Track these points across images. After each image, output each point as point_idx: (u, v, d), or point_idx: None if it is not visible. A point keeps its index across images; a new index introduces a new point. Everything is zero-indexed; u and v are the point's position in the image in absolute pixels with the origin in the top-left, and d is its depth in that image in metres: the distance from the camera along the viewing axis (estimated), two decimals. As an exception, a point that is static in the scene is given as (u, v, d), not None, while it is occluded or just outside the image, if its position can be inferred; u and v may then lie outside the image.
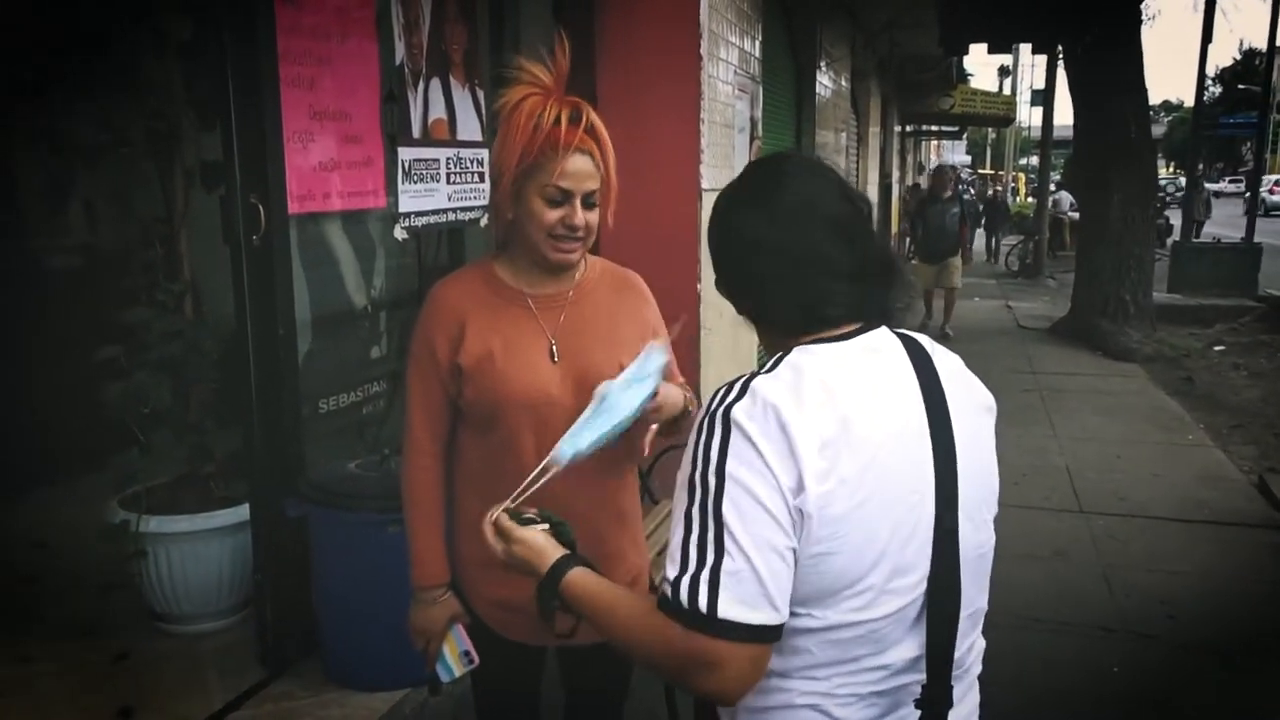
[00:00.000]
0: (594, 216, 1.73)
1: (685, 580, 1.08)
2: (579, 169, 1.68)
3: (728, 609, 1.06)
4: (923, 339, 1.28)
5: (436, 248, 3.98)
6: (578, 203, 1.69)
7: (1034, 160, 43.03)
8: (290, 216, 2.95)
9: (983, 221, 18.73)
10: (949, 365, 1.27)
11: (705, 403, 1.15)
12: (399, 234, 3.45)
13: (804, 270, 1.21)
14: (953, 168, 13.02)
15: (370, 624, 2.85)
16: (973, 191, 23.43)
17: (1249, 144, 40.27)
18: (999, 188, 25.14)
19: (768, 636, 1.08)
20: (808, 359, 1.17)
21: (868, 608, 1.13)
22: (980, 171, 38.04)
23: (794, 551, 1.08)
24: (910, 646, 1.18)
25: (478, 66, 3.88)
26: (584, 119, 1.68)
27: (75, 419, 3.58)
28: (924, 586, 1.17)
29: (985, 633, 1.30)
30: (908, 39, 11.96)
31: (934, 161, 34.40)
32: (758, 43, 6.35)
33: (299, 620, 3.04)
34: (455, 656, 1.85)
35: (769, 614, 1.07)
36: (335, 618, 2.94)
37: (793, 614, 1.12)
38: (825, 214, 1.23)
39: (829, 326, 1.22)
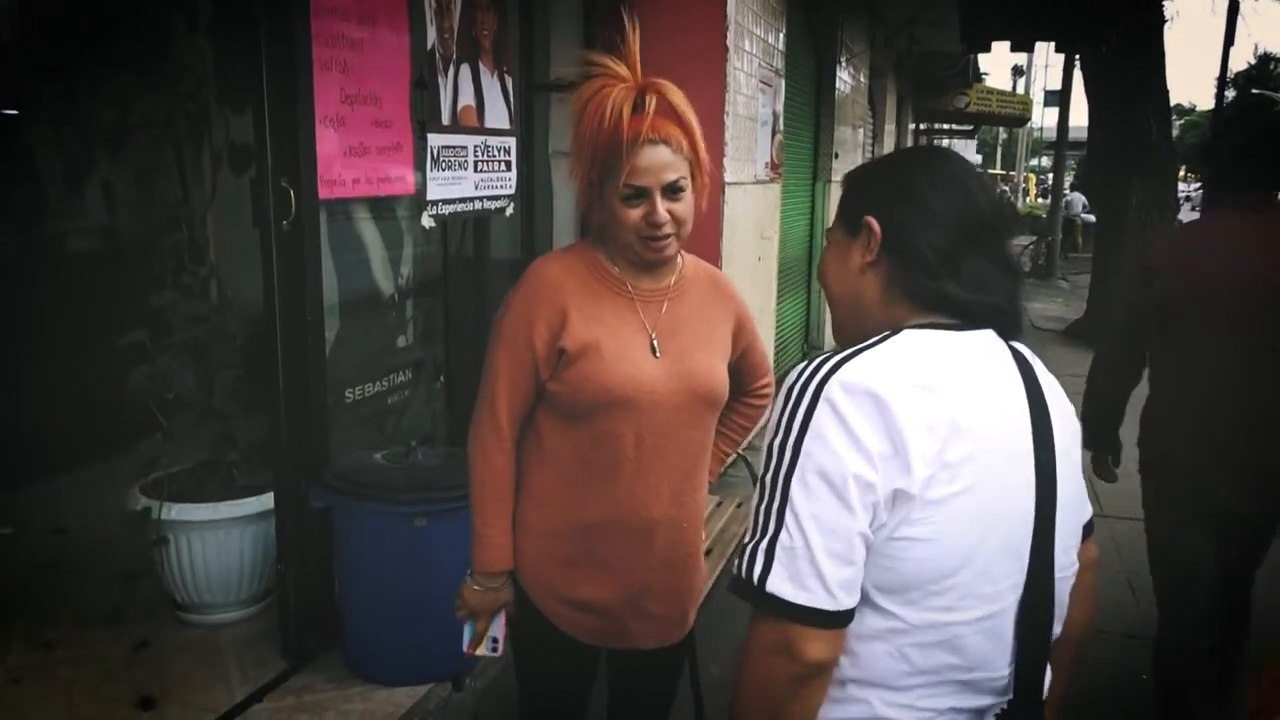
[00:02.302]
0: (682, 206, 1.64)
1: (748, 549, 1.07)
2: (651, 162, 1.59)
3: (776, 584, 1.04)
4: (1028, 352, 1.22)
5: (462, 236, 3.94)
6: (657, 196, 1.60)
7: (1044, 161, 42.97)
8: (320, 202, 2.90)
9: None
10: (1051, 384, 1.21)
11: (799, 370, 1.11)
12: (426, 221, 3.41)
13: (955, 240, 1.16)
14: None
15: (395, 618, 2.81)
16: None
17: (1261, 148, 40.01)
18: (1004, 188, 24.78)
19: (821, 621, 1.04)
20: (918, 339, 1.13)
21: (952, 609, 1.09)
22: (991, 172, 37.93)
23: (865, 537, 1.04)
24: (998, 665, 1.14)
25: (507, 54, 3.83)
26: (649, 105, 1.59)
27: (98, 404, 3.55)
28: (1013, 598, 1.12)
29: None
30: (928, 36, 11.87)
31: (945, 160, 34.28)
32: (781, 35, 6.29)
33: (321, 612, 3.00)
34: (485, 639, 1.85)
35: (821, 597, 1.03)
36: (359, 610, 2.90)
37: (875, 608, 1.08)
38: (981, 199, 1.19)
39: (948, 312, 1.16)
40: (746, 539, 1.08)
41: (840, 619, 1.05)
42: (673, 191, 1.61)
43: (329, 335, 3.09)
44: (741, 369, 1.89)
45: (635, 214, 1.61)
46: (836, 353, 1.11)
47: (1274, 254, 2.30)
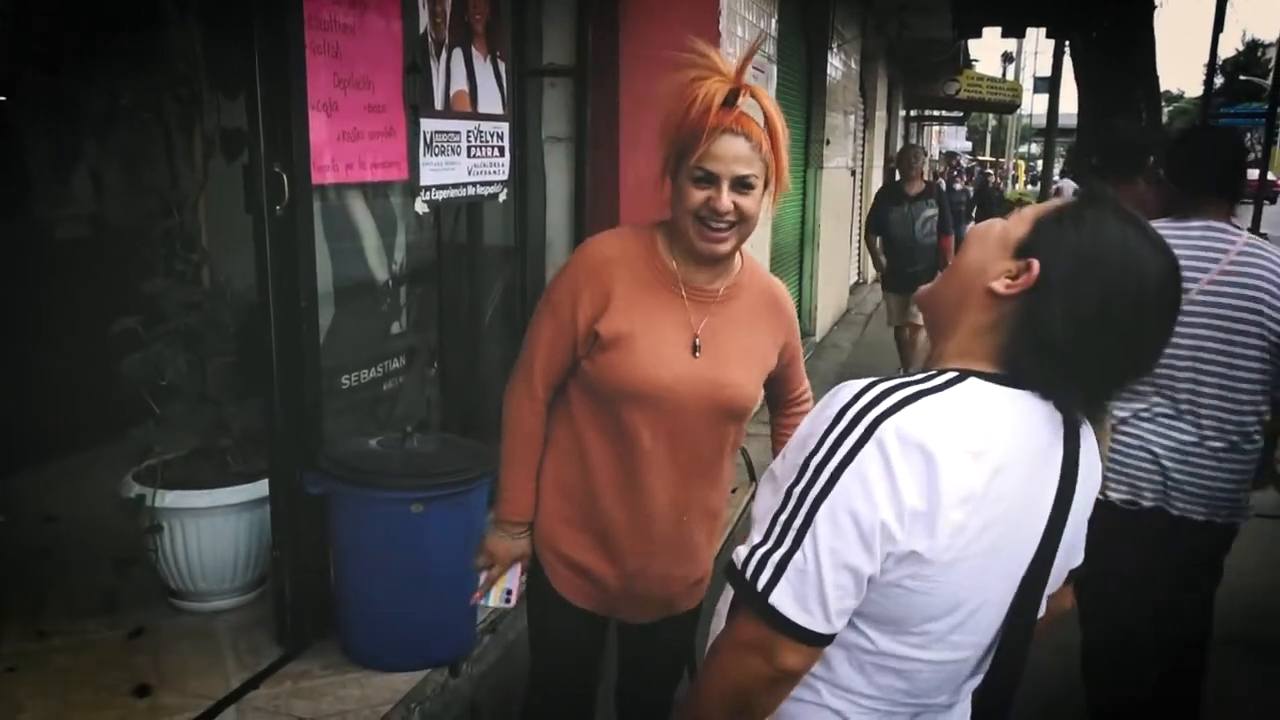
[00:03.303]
0: (748, 202, 1.64)
1: (758, 554, 1.07)
2: (727, 151, 1.60)
3: (781, 599, 1.05)
4: (1082, 419, 1.16)
5: (455, 222, 3.92)
6: (725, 185, 1.61)
7: (1034, 148, 42.98)
8: (313, 187, 2.88)
9: (974, 214, 17.26)
10: (1089, 444, 1.17)
11: (854, 389, 1.07)
12: (420, 207, 3.39)
13: (1091, 344, 1.07)
14: (952, 153, 11.38)
15: (391, 603, 2.81)
16: (963, 181, 20.61)
17: (1250, 135, 40.29)
18: (989, 172, 24.02)
19: (810, 640, 1.06)
20: (981, 395, 1.08)
21: (924, 649, 1.12)
22: (981, 158, 37.93)
23: (871, 579, 1.06)
24: (942, 695, 1.19)
25: (500, 38, 3.81)
26: (742, 100, 1.61)
27: (91, 391, 3.53)
28: (978, 654, 1.16)
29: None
30: (918, 22, 11.85)
31: (935, 146, 34.19)
32: (774, 22, 6.27)
33: (317, 598, 2.99)
34: (499, 589, 1.91)
35: (819, 622, 1.05)
36: (355, 597, 2.90)
37: (850, 626, 1.10)
38: (1150, 321, 1.10)
39: (1030, 386, 1.10)
40: (755, 538, 1.09)
41: (827, 640, 1.07)
42: (742, 186, 1.62)
43: (323, 321, 3.08)
44: (782, 378, 1.92)
45: (700, 195, 1.62)
46: (903, 384, 1.06)
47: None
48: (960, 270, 1.16)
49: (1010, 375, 1.09)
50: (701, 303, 1.73)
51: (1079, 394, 1.10)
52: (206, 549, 3.11)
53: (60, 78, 4.26)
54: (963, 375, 1.09)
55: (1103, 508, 1.92)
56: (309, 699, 2.72)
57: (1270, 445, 2.43)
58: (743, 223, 1.66)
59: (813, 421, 1.10)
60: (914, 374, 1.10)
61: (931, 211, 6.88)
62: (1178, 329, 1.43)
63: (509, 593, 1.92)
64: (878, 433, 1.02)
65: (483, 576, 1.91)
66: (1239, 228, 2.37)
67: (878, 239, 7.13)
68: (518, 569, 1.91)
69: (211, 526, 3.09)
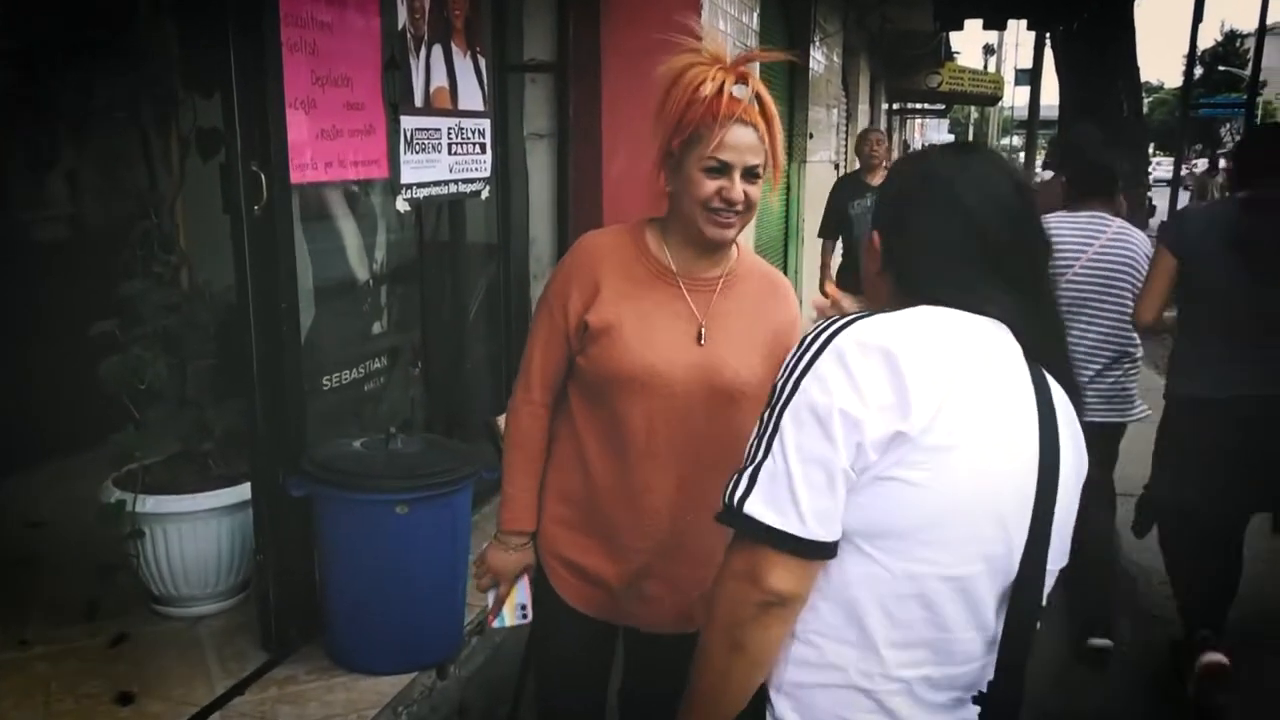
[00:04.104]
0: (755, 191, 1.66)
1: (736, 475, 1.12)
2: (740, 141, 1.61)
3: (754, 505, 1.08)
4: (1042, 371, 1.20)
5: (437, 220, 3.89)
6: (737, 175, 1.62)
7: (1016, 140, 43.19)
8: (292, 186, 2.85)
9: None
10: (1063, 400, 1.20)
11: (816, 326, 1.15)
12: (401, 205, 3.36)
13: (956, 263, 1.19)
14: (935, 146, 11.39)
15: (377, 606, 2.79)
16: None
17: (1228, 125, 40.55)
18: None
19: (791, 547, 1.07)
20: (933, 311, 1.16)
21: (933, 562, 1.10)
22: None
23: (846, 474, 1.07)
24: (967, 630, 1.14)
25: (479, 34, 3.78)
26: (749, 90, 1.62)
27: (69, 395, 3.48)
28: (985, 567, 1.12)
29: None
30: (900, 15, 11.86)
31: (919, 139, 34.26)
32: (756, 15, 6.26)
33: (302, 602, 2.96)
34: (512, 607, 1.87)
35: (793, 522, 1.06)
36: (340, 600, 2.87)
37: (858, 551, 1.10)
38: (989, 219, 1.19)
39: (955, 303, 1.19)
40: (741, 464, 1.13)
41: (810, 549, 1.07)
42: (751, 176, 1.64)
43: (304, 322, 3.05)
44: None
45: (712, 185, 1.62)
46: (855, 315, 1.14)
47: None
48: (864, 274, 1.31)
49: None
50: (702, 292, 1.72)
51: (970, 298, 1.17)
52: (189, 554, 3.07)
53: (34, 76, 4.20)
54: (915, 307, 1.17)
55: None
56: (294, 704, 2.70)
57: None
58: (748, 210, 1.67)
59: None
60: None
61: None
62: (1079, 283, 2.85)
63: (523, 608, 1.87)
64: (834, 343, 1.10)
65: (491, 596, 1.87)
66: (1114, 216, 3.36)
67: (835, 241, 6.16)
68: (526, 582, 1.87)
69: (193, 531, 3.05)
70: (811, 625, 1.14)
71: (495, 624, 1.89)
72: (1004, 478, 1.12)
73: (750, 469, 1.10)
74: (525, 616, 1.88)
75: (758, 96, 1.63)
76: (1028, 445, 1.14)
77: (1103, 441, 3.09)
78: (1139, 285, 3.16)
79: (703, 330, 1.70)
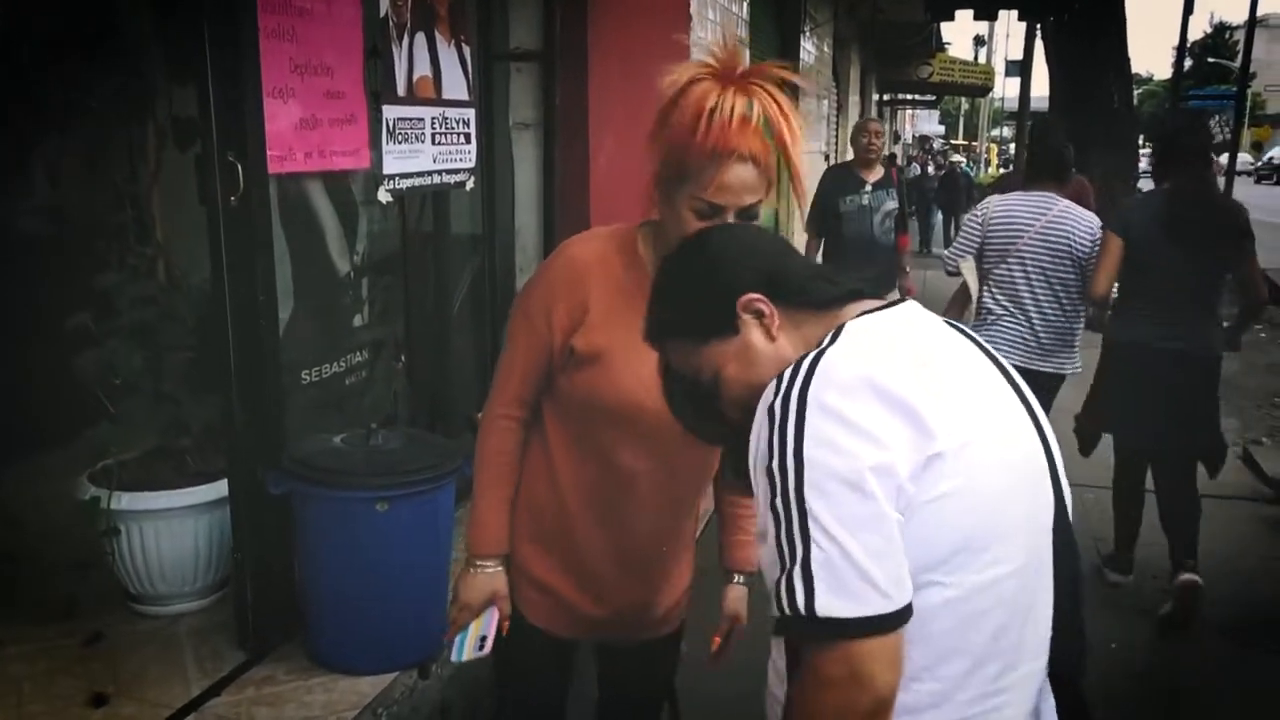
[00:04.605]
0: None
1: (781, 584, 0.98)
2: (736, 181, 1.44)
3: (826, 603, 0.95)
4: (952, 321, 1.23)
5: (420, 212, 3.83)
6: (730, 217, 1.46)
7: (1006, 131, 43.19)
8: (270, 176, 2.79)
9: (940, 202, 16.23)
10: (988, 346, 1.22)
11: (766, 395, 1.05)
12: (383, 196, 3.30)
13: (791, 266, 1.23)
14: (926, 137, 10.18)
15: (357, 605, 2.74)
16: (932, 167, 19.29)
17: (1217, 117, 40.67)
18: (958, 157, 22.98)
19: (880, 627, 0.95)
20: (868, 323, 1.11)
21: (995, 562, 1.04)
22: (954, 142, 38.05)
23: (898, 523, 0.98)
24: (1046, 618, 1.13)
25: (464, 22, 3.71)
26: (756, 113, 1.43)
27: (43, 390, 3.41)
28: (1039, 542, 1.11)
29: None
30: (891, 5, 11.82)
31: (909, 130, 34.14)
32: (745, 4, 6.20)
33: (281, 601, 2.91)
34: (473, 638, 1.72)
35: (876, 601, 0.95)
36: (320, 599, 2.82)
37: (930, 584, 1.01)
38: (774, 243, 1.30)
39: (850, 296, 1.18)
40: (773, 575, 1.00)
41: (899, 619, 0.96)
42: (747, 217, 1.49)
43: (282, 315, 2.99)
44: None
45: (699, 227, 1.46)
46: (799, 363, 1.05)
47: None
48: (763, 378, 1.14)
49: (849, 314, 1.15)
50: None
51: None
52: (166, 551, 3.01)
53: (9, 64, 4.11)
54: (841, 327, 1.11)
55: None
56: (272, 705, 2.65)
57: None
58: None
59: (755, 443, 1.05)
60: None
61: (893, 204, 5.58)
62: (1027, 252, 3.73)
63: (483, 640, 1.72)
64: (810, 400, 1.00)
65: (458, 640, 1.73)
66: (1059, 197, 3.92)
67: (820, 240, 5.73)
68: (494, 613, 1.71)
69: (170, 528, 3.00)
70: (905, 673, 1.02)
71: (453, 657, 1.73)
72: (1018, 450, 1.11)
73: (793, 570, 0.97)
74: (483, 649, 1.72)
75: (766, 121, 1.44)
76: (1018, 409, 1.14)
77: (1040, 392, 3.50)
78: (1079, 255, 3.78)
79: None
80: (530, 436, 1.71)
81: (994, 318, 3.91)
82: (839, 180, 5.66)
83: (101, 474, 3.03)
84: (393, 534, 2.70)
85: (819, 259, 5.72)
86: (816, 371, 1.02)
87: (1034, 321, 3.84)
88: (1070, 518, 1.16)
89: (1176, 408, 3.56)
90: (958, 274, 4.16)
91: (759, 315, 1.16)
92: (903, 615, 0.96)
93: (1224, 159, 15.72)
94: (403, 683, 2.78)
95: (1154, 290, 3.55)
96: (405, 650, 2.83)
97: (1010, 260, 3.88)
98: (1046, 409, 3.83)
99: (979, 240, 4.00)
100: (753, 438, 1.06)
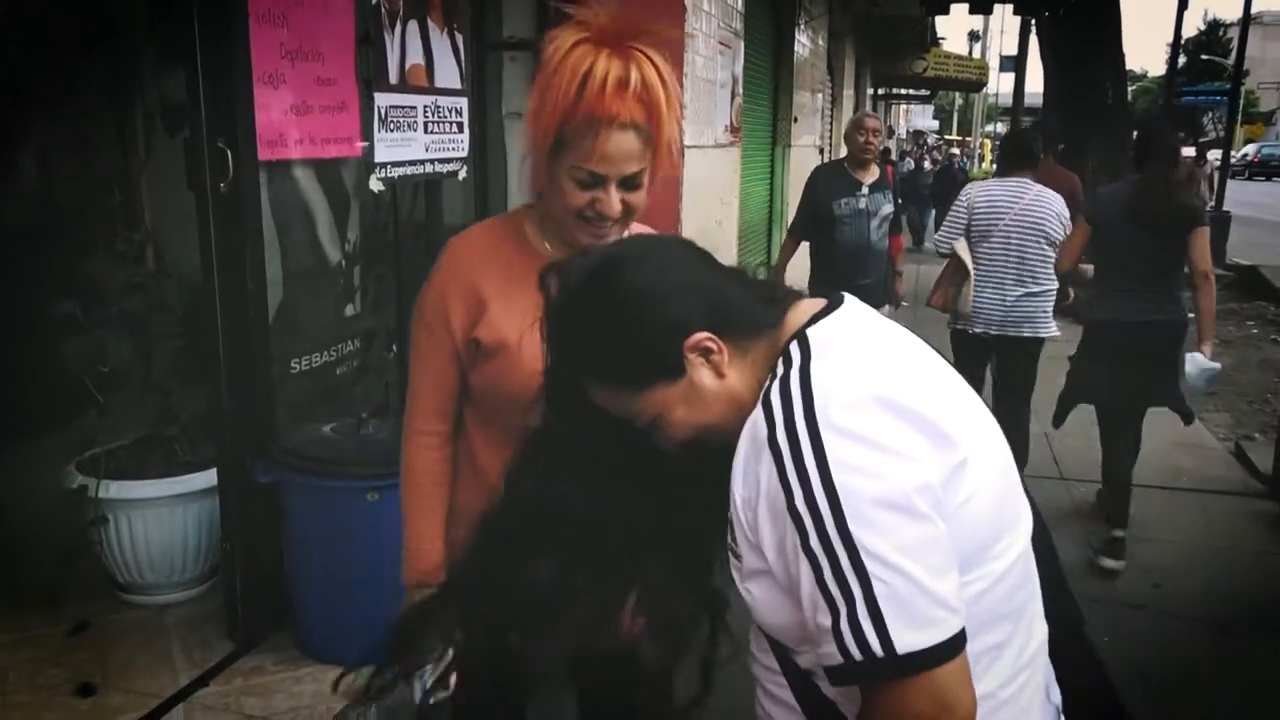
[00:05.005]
0: (637, 197, 1.46)
1: (844, 629, 0.90)
2: (617, 150, 1.39)
3: (905, 639, 0.88)
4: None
5: (413, 201, 3.80)
6: (613, 187, 1.42)
7: (1000, 127, 43.25)
8: (260, 163, 2.76)
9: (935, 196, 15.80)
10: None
11: (754, 430, 0.98)
12: (375, 185, 3.27)
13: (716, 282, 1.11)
14: (920, 131, 9.43)
15: (346, 594, 2.72)
16: (929, 162, 19.20)
17: (1210, 114, 40.74)
18: (954, 151, 22.64)
19: (955, 649, 0.90)
20: (831, 331, 1.04)
21: (1009, 546, 1.03)
22: (948, 137, 38.07)
23: (945, 533, 0.93)
24: (1038, 593, 1.11)
25: (457, 10, 3.68)
26: (634, 78, 1.37)
27: (30, 379, 3.38)
28: (1027, 512, 1.11)
29: None
30: (886, -1, 11.81)
31: (903, 125, 34.12)
32: (741, -4, 6.18)
33: (270, 591, 2.89)
34: (435, 674, 1.57)
35: (951, 622, 0.90)
36: (309, 588, 2.81)
37: (965, 583, 0.97)
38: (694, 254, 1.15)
39: (786, 306, 1.10)
40: (825, 622, 0.92)
41: (965, 634, 0.92)
42: (630, 185, 1.44)
43: (273, 304, 2.97)
44: None
45: (583, 198, 1.44)
46: (780, 386, 0.98)
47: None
48: (718, 417, 1.08)
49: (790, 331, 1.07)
50: None
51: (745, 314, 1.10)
52: (154, 541, 3.00)
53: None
54: (800, 339, 1.03)
55: (974, 339, 4.39)
56: (261, 696, 2.63)
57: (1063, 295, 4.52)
58: (628, 216, 1.48)
59: (751, 482, 0.97)
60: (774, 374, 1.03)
61: (890, 207, 5.13)
62: (1006, 231, 4.28)
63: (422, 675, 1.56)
64: (820, 424, 0.93)
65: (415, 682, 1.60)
66: (1033, 183, 4.38)
67: (797, 245, 5.23)
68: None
69: (158, 517, 2.98)
70: None
71: (415, 699, 1.59)
72: (993, 431, 1.09)
73: (855, 610, 0.89)
74: (448, 688, 1.58)
75: (645, 86, 1.39)
76: (972, 394, 1.12)
77: (1023, 356, 4.41)
78: (1051, 233, 4.27)
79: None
80: (458, 461, 1.63)
81: (976, 291, 4.38)
82: (832, 181, 5.08)
83: (89, 462, 3.01)
84: (382, 524, 2.67)
85: (807, 268, 5.32)
86: (814, 392, 0.95)
87: (1014, 293, 4.33)
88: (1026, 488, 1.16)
89: (1144, 369, 3.96)
90: (950, 254, 4.49)
91: (707, 354, 1.06)
92: (965, 629, 0.92)
93: (1214, 154, 15.76)
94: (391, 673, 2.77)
95: (1122, 269, 3.98)
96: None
97: (992, 239, 4.35)
98: (1031, 372, 4.50)
99: (965, 222, 4.44)
100: (739, 476, 0.99)
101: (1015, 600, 1.05)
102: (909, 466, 0.92)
